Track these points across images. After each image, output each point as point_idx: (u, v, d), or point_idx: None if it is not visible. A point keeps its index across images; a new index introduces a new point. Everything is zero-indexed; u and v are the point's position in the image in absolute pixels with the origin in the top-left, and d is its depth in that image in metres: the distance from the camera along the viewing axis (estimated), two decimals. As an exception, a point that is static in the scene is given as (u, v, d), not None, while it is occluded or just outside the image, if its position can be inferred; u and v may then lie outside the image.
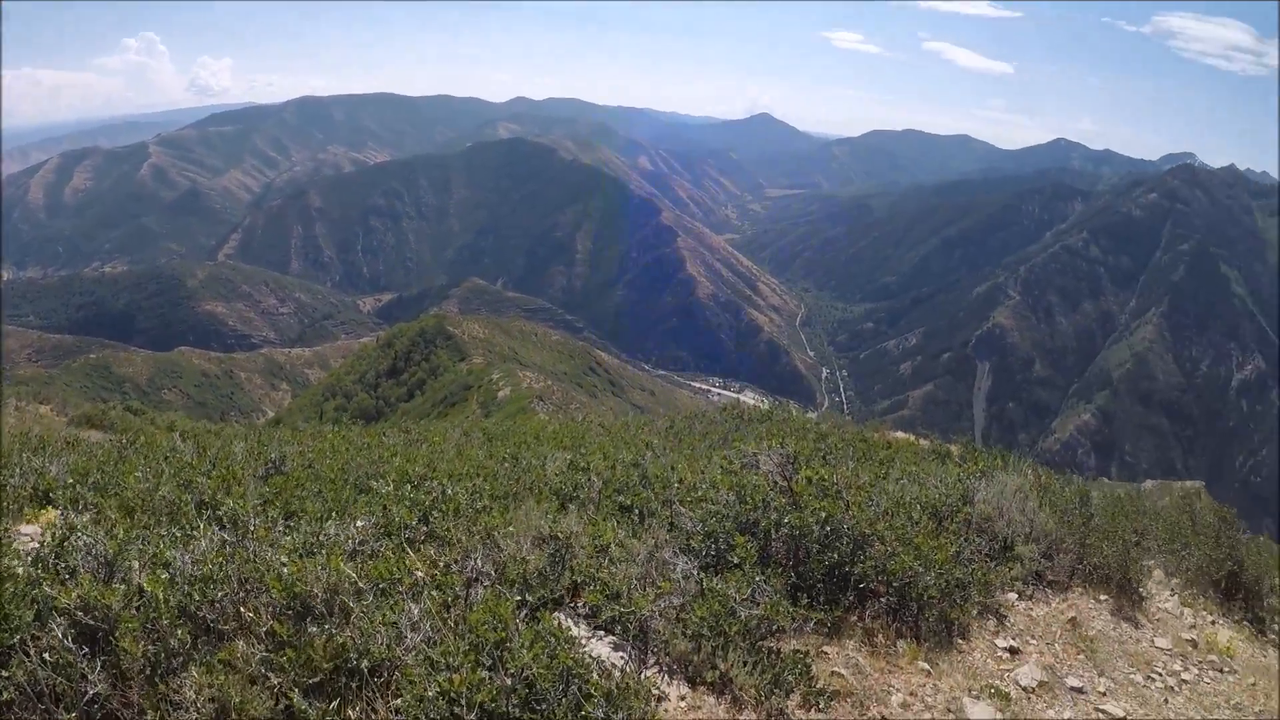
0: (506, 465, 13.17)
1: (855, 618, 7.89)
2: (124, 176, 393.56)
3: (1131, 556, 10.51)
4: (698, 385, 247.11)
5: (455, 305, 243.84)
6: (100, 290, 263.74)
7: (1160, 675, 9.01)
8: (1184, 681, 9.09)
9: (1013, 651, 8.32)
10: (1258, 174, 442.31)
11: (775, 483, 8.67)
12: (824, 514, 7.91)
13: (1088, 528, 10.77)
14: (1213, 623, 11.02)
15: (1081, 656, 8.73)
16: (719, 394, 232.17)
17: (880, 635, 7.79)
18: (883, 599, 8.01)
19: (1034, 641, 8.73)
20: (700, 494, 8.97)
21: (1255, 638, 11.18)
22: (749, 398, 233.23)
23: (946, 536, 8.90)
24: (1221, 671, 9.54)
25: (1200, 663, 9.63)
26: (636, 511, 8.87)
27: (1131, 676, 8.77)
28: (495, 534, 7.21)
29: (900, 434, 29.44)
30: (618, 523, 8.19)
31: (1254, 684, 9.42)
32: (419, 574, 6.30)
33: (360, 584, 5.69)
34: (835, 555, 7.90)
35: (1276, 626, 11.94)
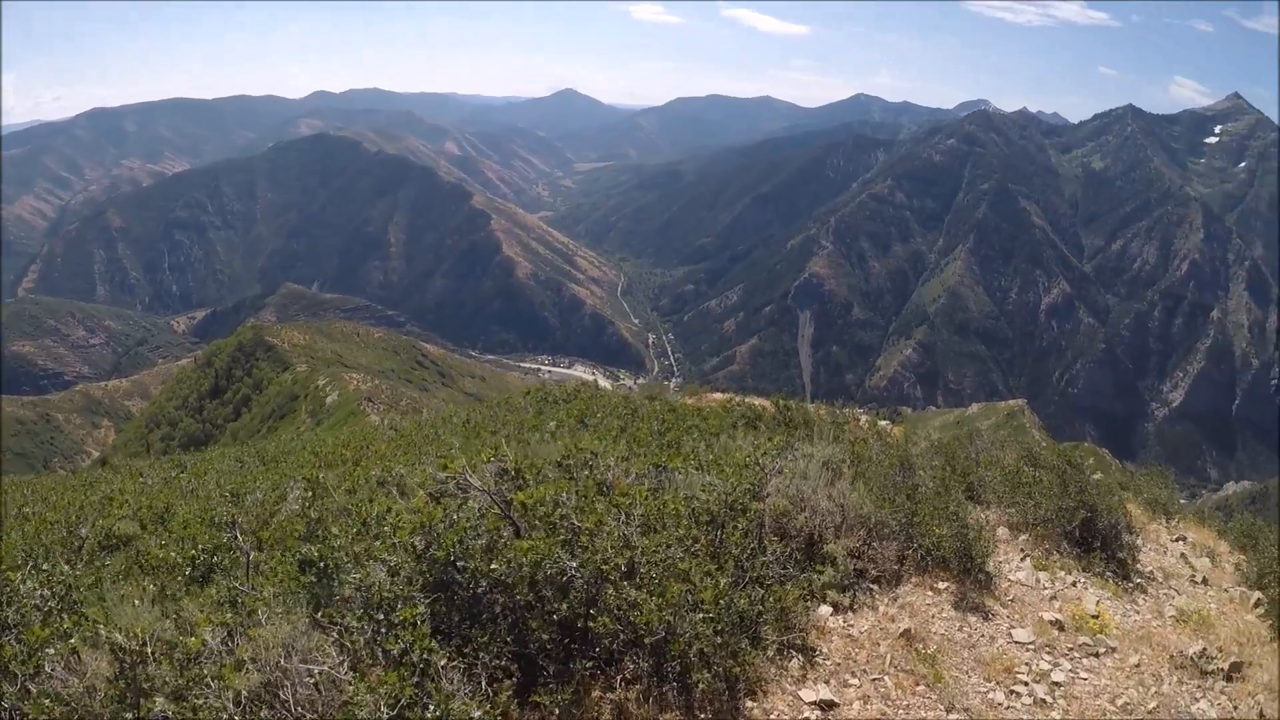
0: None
1: (600, 692, 5.40)
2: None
3: (972, 536, 8.34)
4: (528, 365, 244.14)
5: (273, 314, 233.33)
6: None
7: (1026, 684, 7.01)
8: (1056, 685, 7.13)
9: (826, 706, 5.93)
10: (1048, 115, 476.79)
11: (488, 511, 6.14)
12: (539, 555, 5.49)
13: (915, 503, 8.57)
14: (1074, 584, 9.42)
15: (922, 688, 6.50)
16: (549, 371, 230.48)
17: (636, 711, 5.32)
18: (630, 663, 5.53)
19: (855, 680, 6.45)
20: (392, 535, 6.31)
21: (1122, 589, 9.75)
22: (580, 372, 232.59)
23: (728, 548, 6.42)
24: (1098, 655, 7.76)
25: (1071, 650, 7.77)
26: (318, 569, 6.12)
27: (991, 697, 6.70)
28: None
29: (719, 395, 27.17)
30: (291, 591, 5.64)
31: (1138, 665, 7.68)
32: None
33: None
34: (565, 607, 5.58)
35: (1139, 567, 10.59)
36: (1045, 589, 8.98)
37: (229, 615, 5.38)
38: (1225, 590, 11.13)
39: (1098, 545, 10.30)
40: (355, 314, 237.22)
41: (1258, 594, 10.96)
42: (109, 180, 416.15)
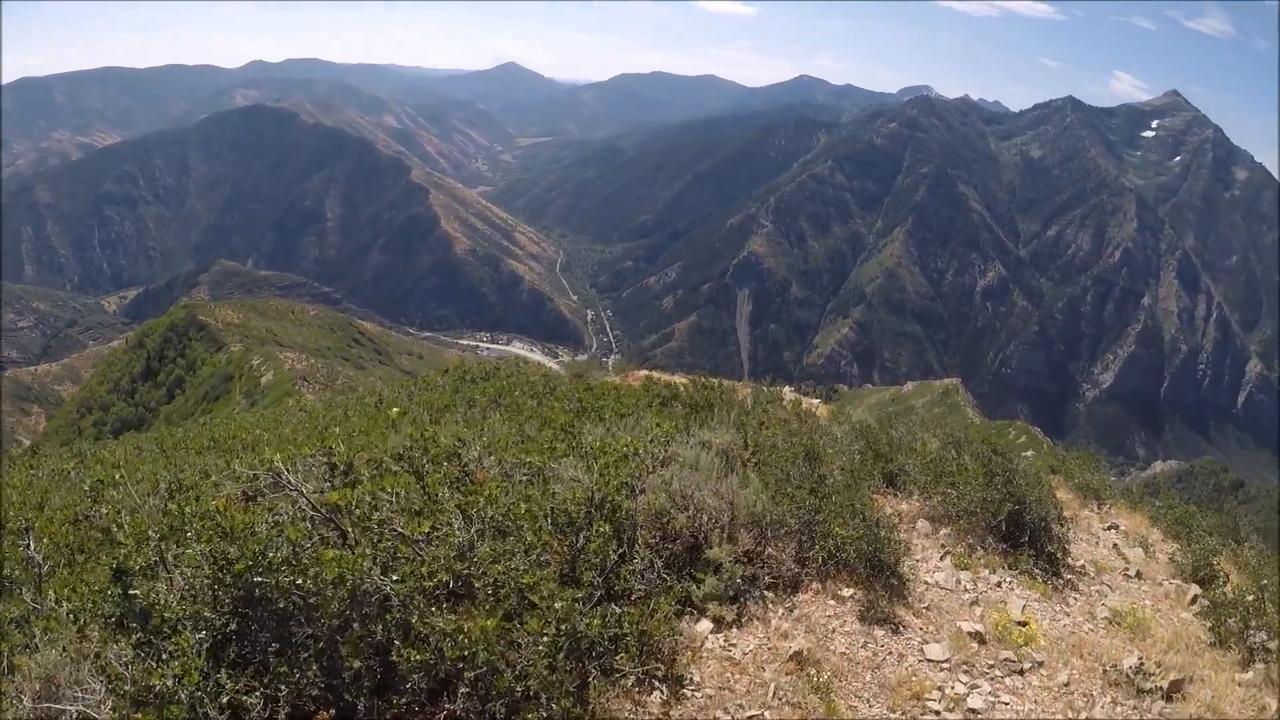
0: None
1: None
2: None
3: (883, 536, 7.34)
4: (466, 343, 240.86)
5: (206, 292, 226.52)
6: None
7: (938, 714, 6.04)
8: (973, 713, 6.13)
9: (687, 756, 4.87)
10: (989, 103, 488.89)
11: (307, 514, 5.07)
12: (342, 569, 4.41)
13: (819, 498, 7.53)
14: (999, 584, 8.61)
15: (813, 729, 5.36)
16: (488, 348, 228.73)
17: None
18: (447, 701, 4.44)
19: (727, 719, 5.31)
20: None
21: (1051, 587, 9.02)
22: (518, 348, 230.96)
23: (588, 556, 5.33)
24: (1023, 673, 6.82)
25: (992, 667, 6.81)
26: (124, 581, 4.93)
27: (896, 734, 5.59)
28: None
29: (643, 373, 25.96)
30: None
31: (1066, 684, 6.76)
32: None
33: None
34: (381, 631, 4.62)
35: (1070, 561, 9.93)
36: (966, 592, 8.08)
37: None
38: (1160, 584, 10.54)
39: (1026, 539, 9.46)
40: (291, 291, 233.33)
41: (1194, 589, 10.38)
42: (36, 154, 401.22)
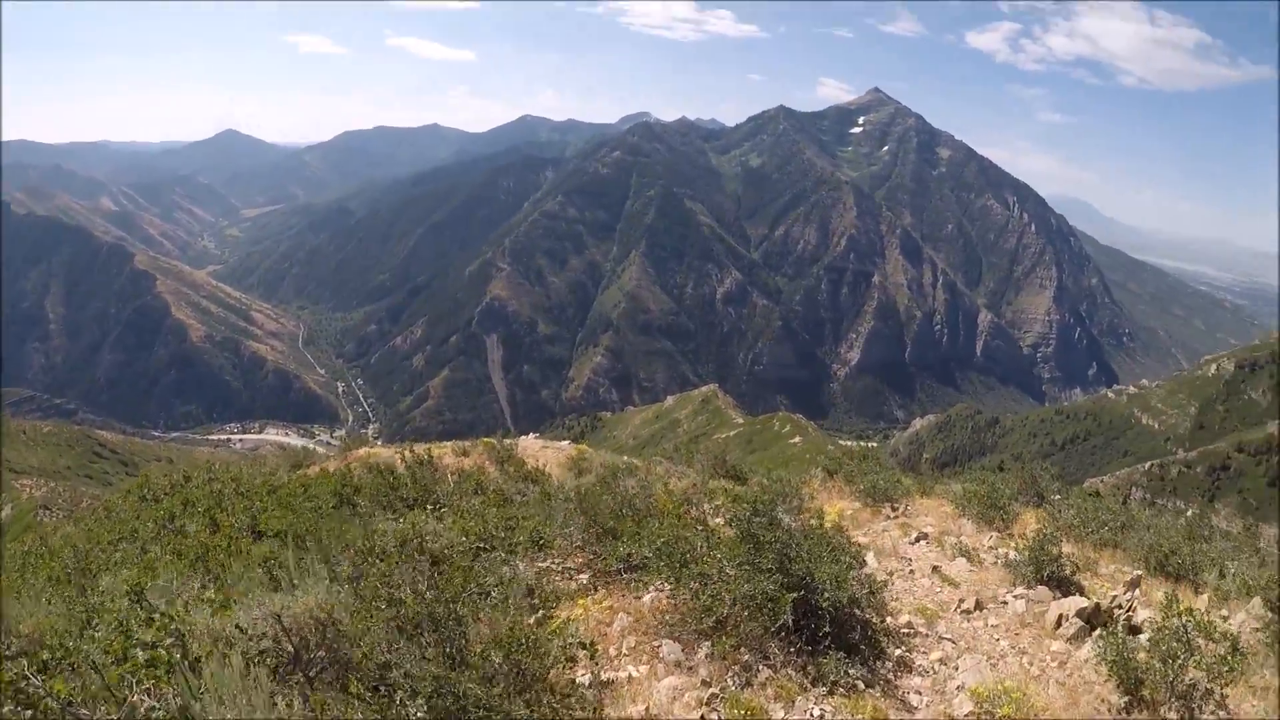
0: None
1: None
2: None
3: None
4: (216, 438, 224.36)
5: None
6: None
7: None
8: None
9: None
10: (707, 121, 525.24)
11: None
12: None
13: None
14: None
15: None
16: (240, 440, 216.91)
17: None
18: None
19: None
20: None
21: (883, 693, 6.45)
22: (272, 435, 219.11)
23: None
24: None
25: None
26: None
27: None
28: None
29: (364, 451, 22.40)
30: None
31: None
32: None
33: None
34: None
35: (892, 625, 7.66)
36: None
37: None
38: (1005, 604, 8.62)
39: (827, 631, 6.57)
40: (20, 408, 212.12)
41: (1054, 607, 8.21)
42: None
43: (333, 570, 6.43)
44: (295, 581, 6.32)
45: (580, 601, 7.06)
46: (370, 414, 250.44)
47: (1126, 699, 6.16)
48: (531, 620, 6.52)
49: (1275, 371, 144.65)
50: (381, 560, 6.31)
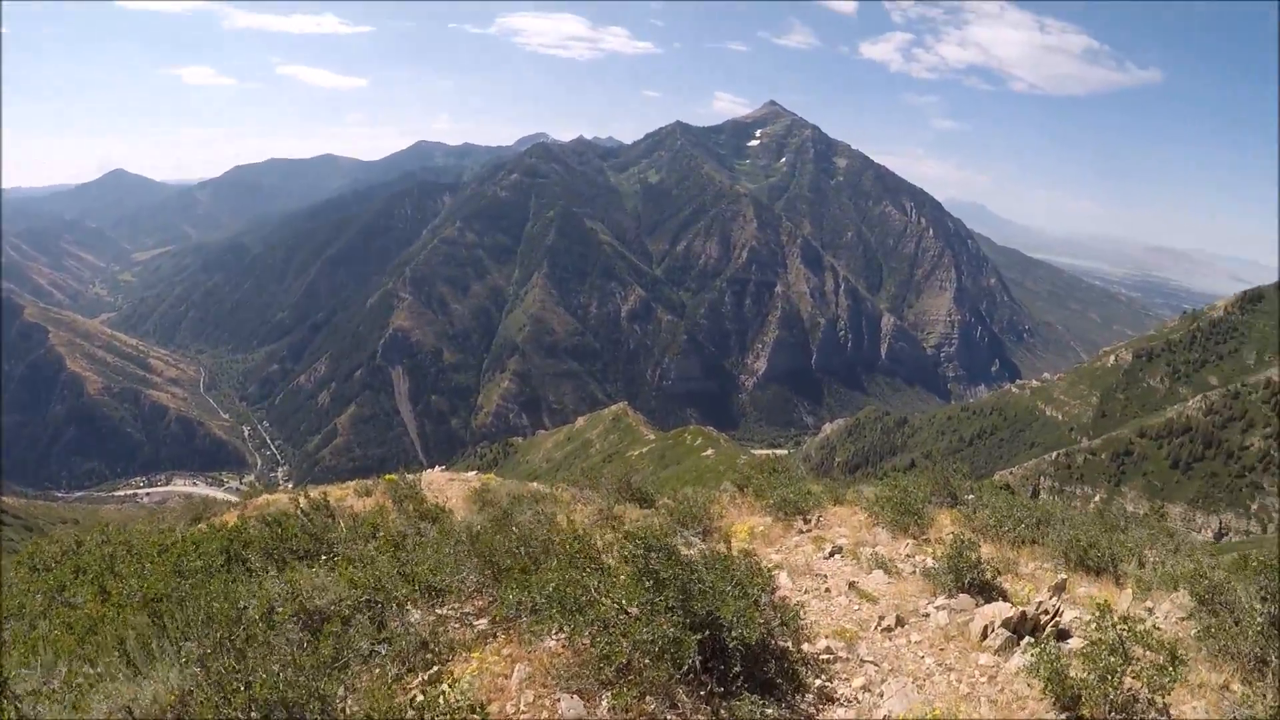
0: None
1: None
2: None
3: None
4: (123, 493, 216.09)
5: None
6: None
7: None
8: None
9: None
10: (604, 140, 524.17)
11: None
12: None
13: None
14: None
15: None
16: (147, 494, 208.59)
17: None
18: None
19: None
20: None
21: None
22: (180, 486, 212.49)
23: None
24: None
25: None
26: None
27: None
28: None
29: (263, 498, 21.27)
30: None
31: None
32: None
33: None
34: None
35: (809, 652, 7.19)
36: None
37: None
38: (928, 617, 8.23)
39: (737, 672, 6.04)
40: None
41: (978, 617, 7.76)
42: None
43: (189, 648, 5.75)
44: (147, 665, 5.64)
45: (475, 654, 6.43)
46: (279, 456, 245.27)
47: (1065, 716, 5.76)
48: (420, 679, 5.92)
49: (1172, 359, 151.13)
50: (244, 630, 5.64)
